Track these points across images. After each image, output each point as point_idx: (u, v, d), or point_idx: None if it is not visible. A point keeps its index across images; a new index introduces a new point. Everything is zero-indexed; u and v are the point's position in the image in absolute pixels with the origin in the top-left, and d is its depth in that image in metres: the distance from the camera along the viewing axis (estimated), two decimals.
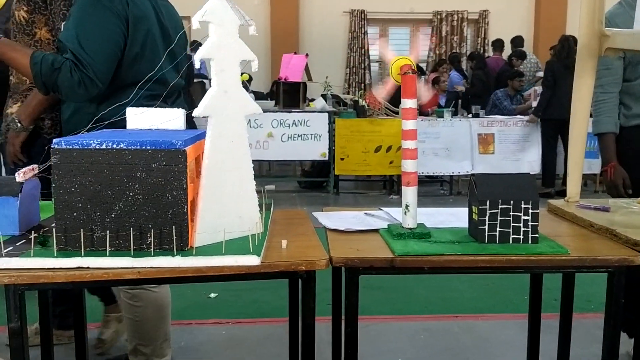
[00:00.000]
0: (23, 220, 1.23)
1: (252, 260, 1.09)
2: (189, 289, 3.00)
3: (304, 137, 5.85)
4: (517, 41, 8.18)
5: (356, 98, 6.47)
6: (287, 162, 6.89)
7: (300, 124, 5.83)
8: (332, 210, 1.57)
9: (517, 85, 6.70)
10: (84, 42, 1.65)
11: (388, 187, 6.30)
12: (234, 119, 1.19)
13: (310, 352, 1.20)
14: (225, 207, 1.19)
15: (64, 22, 1.83)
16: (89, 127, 1.27)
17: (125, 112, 1.31)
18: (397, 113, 6.06)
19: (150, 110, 1.31)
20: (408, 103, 1.29)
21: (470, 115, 6.21)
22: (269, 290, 3.01)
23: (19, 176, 1.22)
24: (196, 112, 1.15)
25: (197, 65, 1.16)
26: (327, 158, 5.89)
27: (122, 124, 1.30)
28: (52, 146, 1.09)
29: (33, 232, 1.13)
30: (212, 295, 2.95)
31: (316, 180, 6.33)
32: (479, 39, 9.84)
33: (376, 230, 1.38)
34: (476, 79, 7.57)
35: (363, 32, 9.87)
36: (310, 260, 1.13)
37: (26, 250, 1.10)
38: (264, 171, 7.13)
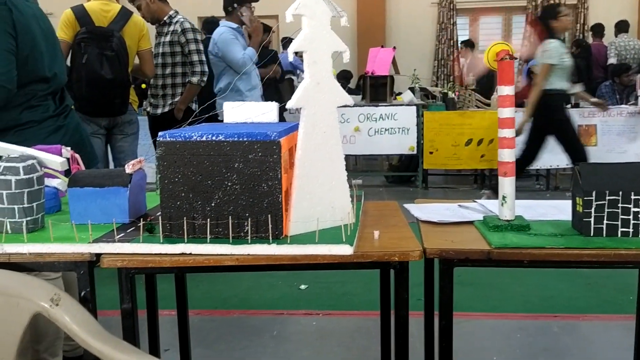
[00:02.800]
0: (132, 209, 1.31)
1: (345, 250, 1.10)
2: (281, 279, 3.08)
3: (391, 131, 5.80)
4: (622, 25, 7.61)
5: (445, 90, 6.32)
6: (374, 157, 6.88)
7: (388, 118, 5.79)
8: (423, 203, 1.55)
9: (626, 80, 6.25)
10: None
11: (479, 182, 6.10)
12: (326, 109, 1.21)
13: (403, 344, 1.19)
14: (318, 196, 1.21)
15: None
16: None
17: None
18: (488, 105, 5.85)
19: (245, 104, 1.35)
20: (505, 90, 1.24)
21: (569, 106, 5.87)
22: (358, 283, 3.03)
23: (129, 168, 1.31)
24: (289, 105, 1.18)
25: (290, 58, 1.18)
26: (415, 152, 5.81)
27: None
28: (157, 139, 1.16)
29: (142, 219, 1.20)
30: (303, 286, 3.01)
31: (404, 175, 6.26)
32: (578, 24, 9.27)
33: (471, 223, 1.34)
34: (578, 67, 7.13)
35: (452, 22, 9.62)
36: (404, 251, 1.12)
37: (136, 237, 1.17)
38: (351, 166, 7.15)
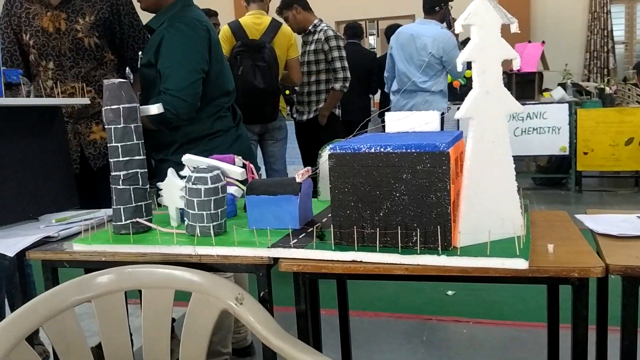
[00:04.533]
0: (301, 216, 1.40)
1: (519, 264, 1.07)
2: (427, 284, 3.06)
3: (539, 131, 5.47)
4: None
5: (601, 86, 5.82)
6: (520, 158, 6.53)
7: (536, 117, 5.47)
8: (596, 213, 1.45)
9: None
10: (177, 72, 1.92)
11: None
12: (495, 118, 1.18)
13: None
14: (487, 207, 1.19)
15: (141, 53, 2.14)
16: None
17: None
18: None
19: (409, 114, 1.37)
20: None
21: None
22: (508, 292, 2.91)
23: (299, 177, 1.39)
24: (458, 115, 1.18)
25: (459, 68, 1.18)
26: (567, 152, 5.42)
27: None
28: (329, 151, 1.22)
29: (315, 226, 1.27)
30: (450, 292, 2.96)
31: (554, 177, 5.87)
32: None
33: None
34: None
35: (605, 11, 8.80)
36: (584, 267, 1.06)
37: (308, 243, 1.25)
38: None
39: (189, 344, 1.24)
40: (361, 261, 1.17)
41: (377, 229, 1.19)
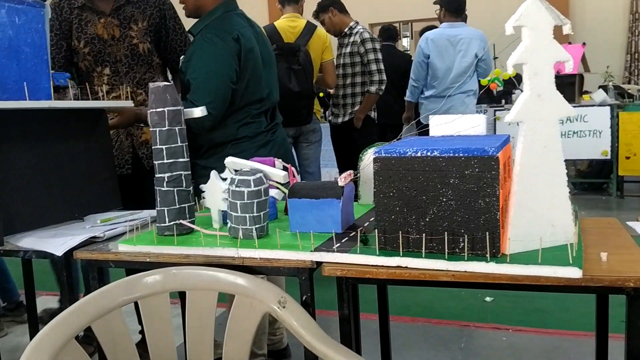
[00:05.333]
0: (343, 220, 1.39)
1: (573, 273, 1.04)
2: (464, 290, 3.01)
3: (580, 134, 5.34)
4: None
5: None
6: None
7: (576, 120, 5.34)
8: None
9: None
10: (204, 85, 1.92)
11: None
12: (547, 123, 1.15)
13: None
14: (537, 214, 1.16)
15: (183, 56, 2.13)
16: None
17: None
18: None
19: (455, 117, 1.35)
20: None
21: None
22: (549, 299, 2.84)
23: (341, 181, 1.38)
24: (508, 118, 1.15)
25: (509, 70, 1.15)
26: (609, 157, 5.27)
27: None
28: (374, 155, 1.21)
29: (359, 231, 1.26)
30: (488, 299, 2.91)
31: (595, 182, 5.72)
32: None
33: None
34: None
35: None
36: None
37: (352, 248, 1.24)
38: None
39: (231, 346, 1.25)
40: (406, 267, 1.16)
41: (423, 234, 1.17)
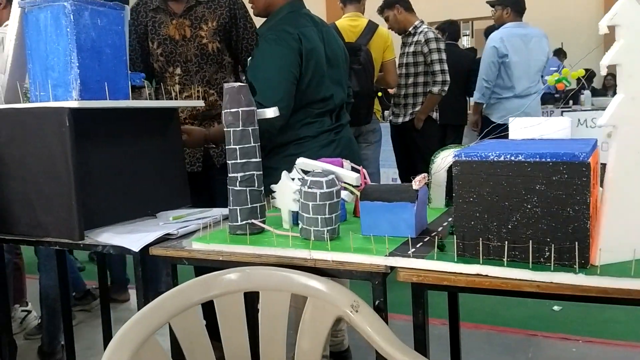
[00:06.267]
0: (417, 224, 1.36)
1: None
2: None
3: None
4: None
5: None
6: None
7: None
8: None
9: None
10: (268, 86, 1.92)
11: None
12: None
13: None
14: (631, 223, 1.09)
15: (250, 58, 2.14)
16: None
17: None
18: None
19: (540, 120, 1.29)
20: None
21: None
22: (620, 309, 2.70)
23: (415, 184, 1.35)
24: (600, 121, 1.09)
25: (602, 72, 1.09)
26: None
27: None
28: (453, 158, 1.17)
29: (434, 235, 1.23)
30: (556, 308, 2.80)
31: None
32: None
33: None
34: None
35: None
36: None
37: (428, 253, 1.20)
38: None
39: (303, 349, 1.24)
40: (487, 275, 1.12)
41: (505, 242, 1.12)
